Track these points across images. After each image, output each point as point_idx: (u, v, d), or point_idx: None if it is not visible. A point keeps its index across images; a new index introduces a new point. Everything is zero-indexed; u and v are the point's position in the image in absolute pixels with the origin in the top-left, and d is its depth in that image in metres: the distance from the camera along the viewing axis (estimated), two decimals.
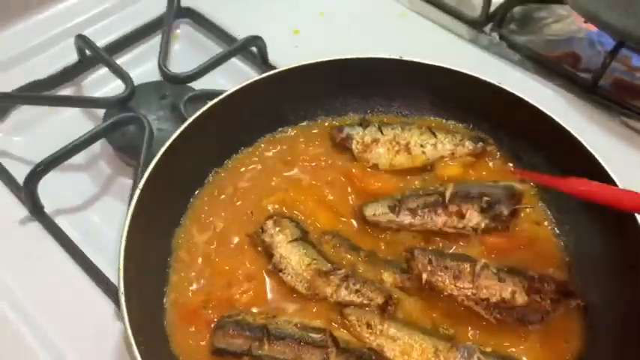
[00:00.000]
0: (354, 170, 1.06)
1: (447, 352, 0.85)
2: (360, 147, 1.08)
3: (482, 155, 1.08)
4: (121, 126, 1.15)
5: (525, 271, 0.92)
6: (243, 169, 1.07)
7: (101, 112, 1.24)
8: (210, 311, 0.90)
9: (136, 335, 0.77)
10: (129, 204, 0.89)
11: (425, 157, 1.06)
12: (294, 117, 1.14)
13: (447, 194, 0.98)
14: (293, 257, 0.93)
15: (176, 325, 0.89)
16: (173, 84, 1.23)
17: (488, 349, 0.87)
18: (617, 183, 0.93)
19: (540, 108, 1.03)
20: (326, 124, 1.14)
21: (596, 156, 0.96)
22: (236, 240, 0.98)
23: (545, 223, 1.02)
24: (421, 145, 1.06)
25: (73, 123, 1.26)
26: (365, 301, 0.89)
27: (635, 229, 0.88)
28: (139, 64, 1.37)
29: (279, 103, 1.11)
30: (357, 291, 0.90)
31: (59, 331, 0.97)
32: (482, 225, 0.96)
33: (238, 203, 1.03)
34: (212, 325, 0.88)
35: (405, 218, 0.98)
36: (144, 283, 0.86)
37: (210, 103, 1.01)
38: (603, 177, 0.94)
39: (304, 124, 1.14)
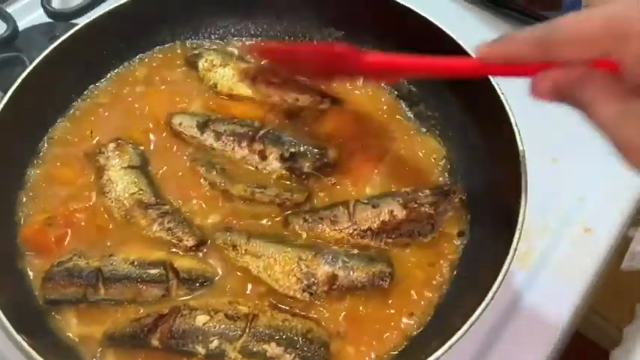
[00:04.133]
0: (211, 103, 1.03)
1: (310, 260, 0.83)
2: (207, 65, 1.05)
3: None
4: (2, 66, 1.12)
5: (398, 190, 0.91)
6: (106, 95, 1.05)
7: None
8: (55, 228, 0.88)
9: None
10: None
11: (267, 93, 1.02)
12: (167, 37, 1.12)
13: (261, 132, 0.95)
14: (120, 183, 0.91)
15: (26, 246, 0.88)
16: (58, 21, 1.19)
17: (355, 251, 0.86)
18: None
19: (419, 12, 0.99)
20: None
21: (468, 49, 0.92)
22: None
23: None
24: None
25: None
26: (174, 241, 0.87)
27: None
28: (29, 11, 1.29)
29: (146, 26, 1.08)
30: (169, 229, 0.87)
31: None
32: (278, 173, 0.94)
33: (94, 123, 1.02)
34: (62, 240, 0.87)
35: (208, 138, 0.96)
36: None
37: (71, 31, 0.99)
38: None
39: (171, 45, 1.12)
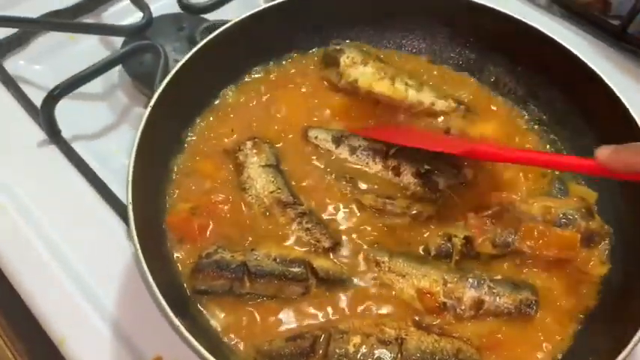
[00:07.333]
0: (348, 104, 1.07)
1: (455, 283, 0.85)
2: (348, 61, 1.07)
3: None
4: (137, 53, 1.16)
5: None
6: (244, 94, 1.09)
7: (120, 44, 1.25)
8: (198, 217, 0.91)
9: (142, 243, 0.79)
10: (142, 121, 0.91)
11: (405, 94, 1.04)
12: (305, 43, 1.14)
13: (394, 148, 0.98)
14: (259, 180, 0.95)
15: (172, 231, 0.91)
16: (189, 14, 1.23)
17: (498, 277, 0.87)
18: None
19: (562, 43, 1.02)
20: None
21: (617, 92, 0.95)
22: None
23: None
24: (406, 83, 1.05)
25: (92, 54, 1.25)
26: (312, 241, 0.90)
27: None
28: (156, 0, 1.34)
29: (286, 31, 1.11)
30: (307, 229, 0.90)
31: (73, 248, 1.00)
32: (412, 188, 0.96)
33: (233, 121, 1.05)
34: (205, 230, 0.90)
35: (343, 152, 0.99)
36: (148, 196, 0.89)
37: (219, 30, 1.02)
38: (625, 115, 0.93)
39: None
